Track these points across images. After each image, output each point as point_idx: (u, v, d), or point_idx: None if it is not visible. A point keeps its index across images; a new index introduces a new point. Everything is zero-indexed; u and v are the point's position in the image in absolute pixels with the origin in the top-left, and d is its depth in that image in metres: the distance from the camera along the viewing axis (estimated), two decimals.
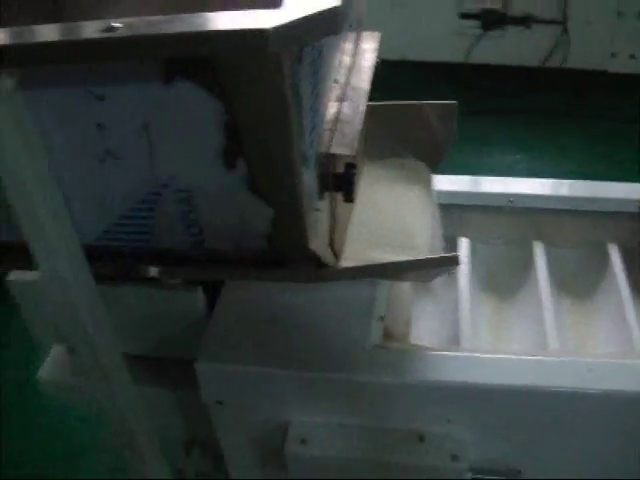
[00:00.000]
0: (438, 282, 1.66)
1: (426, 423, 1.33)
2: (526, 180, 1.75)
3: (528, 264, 1.67)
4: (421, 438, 1.33)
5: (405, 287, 1.57)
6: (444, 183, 1.71)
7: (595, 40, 3.51)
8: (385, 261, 1.23)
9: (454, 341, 1.53)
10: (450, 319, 1.60)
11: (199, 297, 1.40)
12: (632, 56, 3.49)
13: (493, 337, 1.60)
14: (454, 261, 1.19)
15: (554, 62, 3.60)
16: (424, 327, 1.63)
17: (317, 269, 1.19)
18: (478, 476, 1.37)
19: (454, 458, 1.31)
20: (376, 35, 1.54)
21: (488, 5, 3.60)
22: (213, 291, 1.46)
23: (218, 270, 1.21)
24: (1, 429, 2.34)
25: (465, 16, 3.67)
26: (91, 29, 0.84)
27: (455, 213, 1.73)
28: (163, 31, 0.83)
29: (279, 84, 0.91)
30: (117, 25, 0.84)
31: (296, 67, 0.95)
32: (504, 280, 1.72)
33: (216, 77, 0.91)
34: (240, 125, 0.95)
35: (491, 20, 3.62)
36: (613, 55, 3.52)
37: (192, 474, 1.72)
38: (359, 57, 1.45)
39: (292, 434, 1.37)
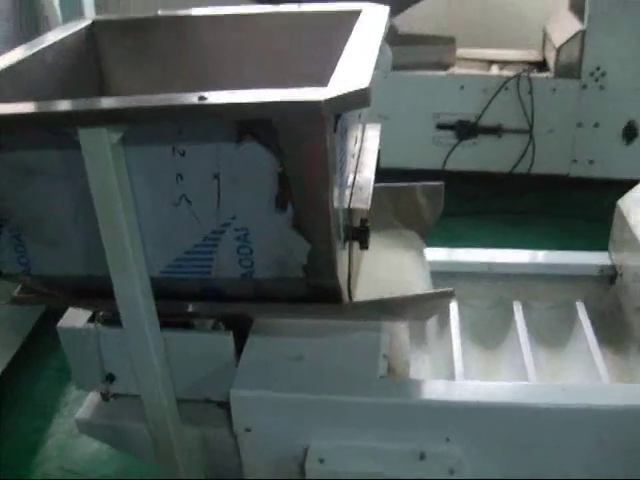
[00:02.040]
0: (432, 337, 1.93)
1: (427, 442, 1.56)
2: (504, 250, 2.05)
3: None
4: (422, 456, 1.56)
5: (403, 335, 1.83)
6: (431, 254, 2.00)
7: (558, 148, 3.87)
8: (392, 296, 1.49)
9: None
10: (444, 367, 1.85)
11: (230, 340, 1.64)
12: (591, 162, 3.85)
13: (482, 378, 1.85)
14: (450, 294, 1.46)
15: (522, 168, 3.93)
16: (423, 372, 1.88)
17: (337, 304, 1.46)
18: None
19: (451, 472, 1.54)
20: (377, 126, 1.87)
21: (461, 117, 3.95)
22: (239, 337, 1.70)
23: (261, 308, 1.48)
24: None
25: (441, 127, 4.02)
26: (189, 98, 1.14)
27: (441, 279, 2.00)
28: (241, 100, 1.13)
29: (323, 144, 1.20)
30: (206, 95, 1.14)
31: (332, 134, 1.25)
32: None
33: (276, 138, 1.20)
34: (291, 176, 1.24)
35: (465, 130, 3.96)
36: (574, 161, 3.87)
37: None
38: (366, 142, 1.77)
39: (312, 454, 1.59)
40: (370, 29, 1.56)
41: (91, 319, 1.73)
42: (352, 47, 1.42)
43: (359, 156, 1.67)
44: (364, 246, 1.49)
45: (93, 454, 2.54)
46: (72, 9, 2.80)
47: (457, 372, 1.75)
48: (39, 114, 1.21)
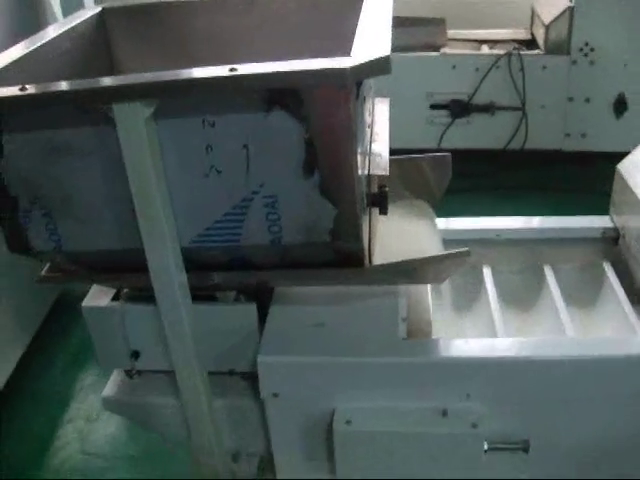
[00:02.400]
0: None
1: (448, 399, 1.63)
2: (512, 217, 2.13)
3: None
4: (444, 412, 1.63)
5: (424, 295, 1.89)
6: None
7: (550, 123, 3.94)
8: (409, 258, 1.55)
9: None
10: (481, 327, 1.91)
11: (253, 310, 1.70)
12: (583, 135, 3.93)
13: None
14: (466, 254, 1.52)
15: (516, 144, 4.01)
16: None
17: (358, 269, 1.52)
18: (493, 446, 1.65)
19: (474, 426, 1.60)
20: (386, 100, 1.93)
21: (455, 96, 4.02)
22: (260, 310, 1.75)
23: (287, 275, 1.54)
24: None
25: (435, 106, 4.09)
26: (221, 70, 1.19)
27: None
28: (270, 70, 1.19)
29: (347, 111, 1.26)
30: (237, 67, 1.19)
31: (355, 102, 1.31)
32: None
33: (303, 106, 1.26)
34: (317, 142, 1.29)
35: (458, 109, 4.03)
36: (567, 135, 3.95)
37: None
38: (377, 114, 1.83)
39: (338, 417, 1.65)
40: (380, 4, 1.62)
41: (114, 298, 1.77)
42: (366, 21, 1.47)
43: (372, 127, 1.73)
44: (383, 211, 1.55)
45: (113, 436, 2.59)
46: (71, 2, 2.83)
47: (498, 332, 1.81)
48: (75, 91, 1.26)
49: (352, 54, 1.23)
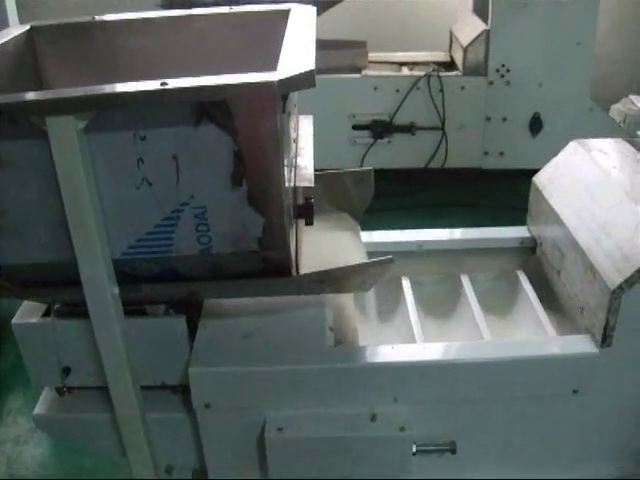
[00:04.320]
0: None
1: (377, 404, 1.68)
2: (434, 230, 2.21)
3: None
4: (373, 417, 1.68)
5: (349, 309, 1.95)
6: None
7: (469, 142, 4.08)
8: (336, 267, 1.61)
9: None
10: (403, 335, 1.97)
11: (183, 322, 1.72)
12: (501, 154, 4.08)
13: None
14: (390, 261, 1.58)
15: (436, 163, 4.12)
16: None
17: (286, 278, 1.56)
18: (421, 448, 1.71)
19: (402, 429, 1.66)
20: (310, 117, 1.99)
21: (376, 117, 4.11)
22: (190, 323, 1.78)
23: (216, 286, 1.57)
24: None
25: (357, 127, 4.17)
26: (152, 84, 1.23)
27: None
28: (200, 84, 1.24)
29: (274, 123, 1.32)
30: (167, 81, 1.24)
31: (282, 115, 1.36)
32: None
33: (231, 119, 1.30)
34: (245, 154, 1.34)
35: (380, 129, 4.12)
36: (485, 154, 4.09)
37: None
38: (302, 129, 1.89)
39: (270, 425, 1.69)
40: (303, 22, 1.68)
41: (45, 314, 1.78)
42: (291, 39, 1.53)
43: (297, 142, 1.79)
44: (309, 222, 1.61)
45: (41, 459, 2.56)
46: None
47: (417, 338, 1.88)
48: (8, 104, 1.28)
49: (279, 69, 1.29)
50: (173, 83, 1.23)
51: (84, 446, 1.99)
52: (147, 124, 1.32)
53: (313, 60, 1.33)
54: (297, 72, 1.27)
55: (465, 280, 2.11)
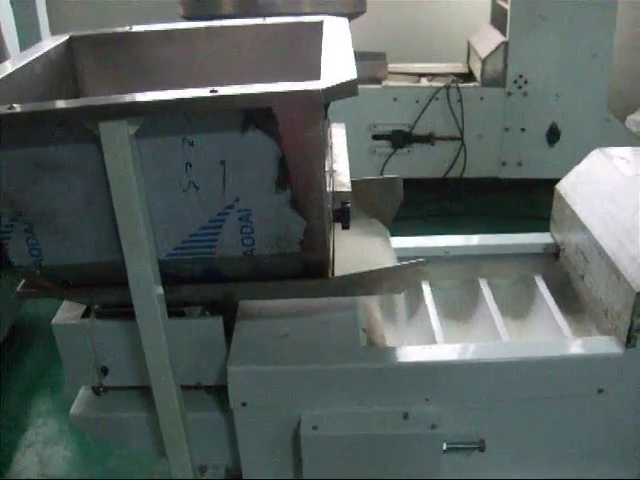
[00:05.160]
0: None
1: (409, 402, 1.73)
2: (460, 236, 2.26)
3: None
4: (405, 415, 1.73)
5: (376, 313, 2.00)
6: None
7: (487, 152, 4.13)
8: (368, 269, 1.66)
9: None
10: (425, 339, 2.02)
11: (220, 323, 1.78)
12: (519, 164, 4.13)
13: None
14: (423, 264, 1.64)
15: (455, 173, 4.19)
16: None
17: (322, 279, 1.62)
18: (451, 446, 1.76)
19: (433, 427, 1.71)
20: (342, 125, 2.05)
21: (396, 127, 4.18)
22: (226, 323, 1.83)
23: (256, 287, 1.63)
24: None
25: (377, 137, 4.24)
26: (202, 91, 1.29)
27: None
28: (248, 92, 1.29)
29: (317, 130, 1.37)
30: (217, 88, 1.30)
31: (324, 122, 1.42)
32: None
33: (277, 126, 1.36)
34: (289, 159, 1.40)
35: (399, 139, 4.19)
36: (503, 164, 4.15)
37: None
38: (335, 137, 1.95)
39: (305, 423, 1.74)
40: (338, 33, 1.74)
41: (84, 315, 1.83)
42: (329, 47, 1.59)
43: (332, 149, 1.85)
44: (346, 225, 1.66)
45: (72, 460, 2.62)
46: (30, 32, 2.90)
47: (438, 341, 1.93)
48: (63, 109, 1.34)
49: (322, 78, 1.35)
50: (222, 90, 1.29)
51: (119, 445, 2.04)
52: (195, 130, 1.38)
53: (354, 69, 1.39)
54: (340, 81, 1.32)
55: (484, 284, 2.16)
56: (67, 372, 1.89)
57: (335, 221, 1.67)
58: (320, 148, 1.39)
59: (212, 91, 1.29)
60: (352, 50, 1.58)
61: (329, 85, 1.30)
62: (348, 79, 1.34)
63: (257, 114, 1.35)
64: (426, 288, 2.19)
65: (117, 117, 1.32)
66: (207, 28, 2.05)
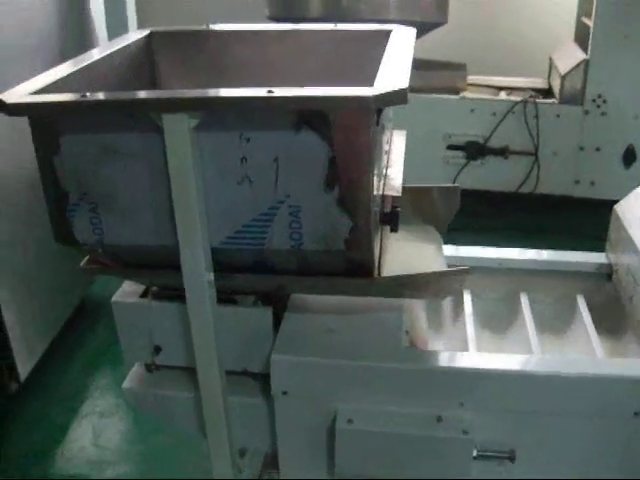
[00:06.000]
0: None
1: (443, 406, 1.77)
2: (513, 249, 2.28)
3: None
4: (439, 419, 1.77)
5: (422, 318, 2.05)
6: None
7: (561, 169, 4.11)
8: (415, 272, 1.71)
9: None
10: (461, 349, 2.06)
11: (269, 314, 1.85)
12: (592, 183, 4.09)
13: None
14: (466, 272, 1.68)
15: (527, 188, 4.17)
16: None
17: (368, 279, 1.68)
18: (481, 453, 1.79)
19: (465, 432, 1.74)
20: (403, 132, 2.10)
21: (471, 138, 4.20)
22: (275, 315, 1.90)
23: (303, 282, 1.70)
24: None
25: (451, 147, 4.26)
26: (259, 91, 1.37)
27: None
28: (303, 94, 1.36)
29: (368, 134, 1.43)
30: (273, 89, 1.37)
31: (375, 127, 1.48)
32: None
33: (329, 127, 1.43)
34: (339, 160, 1.46)
35: (474, 151, 4.20)
36: (577, 182, 4.12)
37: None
38: (394, 143, 2.00)
39: (341, 415, 1.80)
40: (402, 42, 1.80)
41: (142, 295, 1.93)
42: (389, 58, 1.65)
43: (389, 154, 1.90)
44: (394, 229, 1.71)
45: (124, 433, 2.74)
46: (118, 24, 3.05)
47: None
48: (131, 100, 1.44)
49: (375, 85, 1.41)
50: (278, 92, 1.36)
51: (166, 421, 2.13)
52: (252, 127, 1.45)
53: (407, 79, 1.44)
54: (391, 89, 1.38)
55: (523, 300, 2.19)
56: (123, 348, 2.00)
57: (384, 224, 1.72)
58: (369, 152, 1.45)
59: (269, 92, 1.37)
60: (410, 60, 1.63)
61: (380, 92, 1.36)
62: (399, 88, 1.39)
63: (310, 116, 1.42)
64: (467, 297, 2.23)
65: (179, 110, 1.41)
66: (279, 31, 2.13)
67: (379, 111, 1.52)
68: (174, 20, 2.56)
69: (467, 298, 2.22)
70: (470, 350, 1.96)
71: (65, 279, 3.08)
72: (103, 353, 3.16)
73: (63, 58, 1.85)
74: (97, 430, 2.74)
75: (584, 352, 1.97)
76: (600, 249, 2.34)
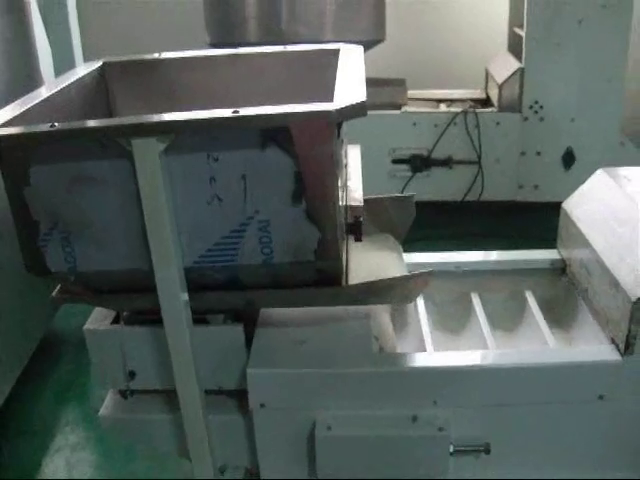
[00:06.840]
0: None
1: (418, 406, 1.83)
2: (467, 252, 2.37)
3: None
4: (414, 418, 1.83)
5: (388, 323, 2.11)
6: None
7: (504, 175, 4.23)
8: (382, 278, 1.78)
9: None
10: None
11: (241, 330, 1.89)
12: (535, 187, 4.23)
13: None
14: (431, 274, 1.75)
15: (473, 196, 4.29)
16: None
17: (337, 287, 1.74)
18: (458, 448, 1.85)
19: (441, 429, 1.81)
20: (357, 146, 2.18)
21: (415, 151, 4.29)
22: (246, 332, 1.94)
23: (274, 295, 1.75)
24: None
25: (396, 161, 4.35)
26: (225, 112, 1.42)
27: None
28: (267, 112, 1.42)
29: (331, 147, 1.50)
30: (239, 110, 1.43)
31: (337, 140, 1.55)
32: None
33: (293, 143, 1.49)
34: (305, 174, 1.52)
35: (418, 163, 4.30)
36: (520, 187, 4.25)
37: None
38: (350, 157, 2.07)
39: (320, 423, 1.84)
40: (353, 59, 1.88)
41: (113, 322, 1.96)
42: (343, 72, 1.73)
43: (347, 167, 1.97)
44: (358, 238, 1.78)
45: (99, 465, 2.73)
46: (64, 58, 3.06)
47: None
48: (99, 127, 1.48)
49: (335, 99, 1.48)
50: (243, 111, 1.42)
51: (144, 446, 2.15)
52: (219, 147, 1.51)
53: (365, 92, 1.52)
54: (351, 103, 1.45)
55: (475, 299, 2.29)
56: (96, 375, 2.01)
57: (348, 234, 1.79)
58: (333, 164, 1.52)
59: (234, 112, 1.43)
60: (364, 75, 1.71)
61: (341, 106, 1.43)
62: (358, 101, 1.46)
63: (275, 133, 1.48)
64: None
65: (148, 135, 1.46)
66: (230, 55, 2.19)
67: (339, 125, 1.58)
68: (119, 52, 2.59)
69: (420, 302, 2.29)
70: (427, 350, 2.02)
71: (27, 314, 3.07)
72: (70, 386, 3.15)
73: (10, 95, 1.88)
74: (70, 464, 2.73)
75: (537, 345, 2.06)
76: (547, 249, 2.44)
